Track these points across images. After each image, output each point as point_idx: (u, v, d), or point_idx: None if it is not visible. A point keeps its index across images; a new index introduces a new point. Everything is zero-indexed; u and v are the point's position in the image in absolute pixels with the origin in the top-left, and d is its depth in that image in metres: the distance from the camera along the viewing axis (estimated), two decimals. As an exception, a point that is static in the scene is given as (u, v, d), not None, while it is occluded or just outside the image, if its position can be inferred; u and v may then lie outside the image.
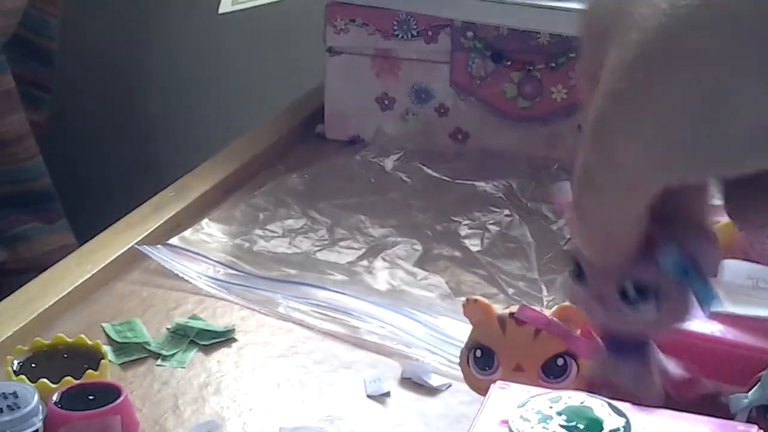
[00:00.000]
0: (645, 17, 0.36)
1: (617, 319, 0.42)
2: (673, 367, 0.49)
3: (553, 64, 0.95)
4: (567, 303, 0.59)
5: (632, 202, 0.39)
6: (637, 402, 0.46)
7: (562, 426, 0.44)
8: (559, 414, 0.45)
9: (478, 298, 0.59)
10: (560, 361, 0.58)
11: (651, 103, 0.36)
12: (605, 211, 0.39)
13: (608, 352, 0.45)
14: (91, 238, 0.83)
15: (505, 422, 0.47)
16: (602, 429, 0.44)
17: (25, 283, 0.77)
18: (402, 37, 0.99)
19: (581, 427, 0.44)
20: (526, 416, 0.45)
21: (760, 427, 0.50)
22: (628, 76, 0.36)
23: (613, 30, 0.37)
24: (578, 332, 0.58)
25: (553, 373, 0.57)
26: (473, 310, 0.58)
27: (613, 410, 0.46)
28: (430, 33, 0.98)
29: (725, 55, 0.34)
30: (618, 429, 0.45)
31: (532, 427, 0.44)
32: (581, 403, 0.46)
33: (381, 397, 0.66)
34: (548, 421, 0.45)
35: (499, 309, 0.59)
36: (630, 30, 0.36)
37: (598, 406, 0.46)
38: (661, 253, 0.41)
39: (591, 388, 0.48)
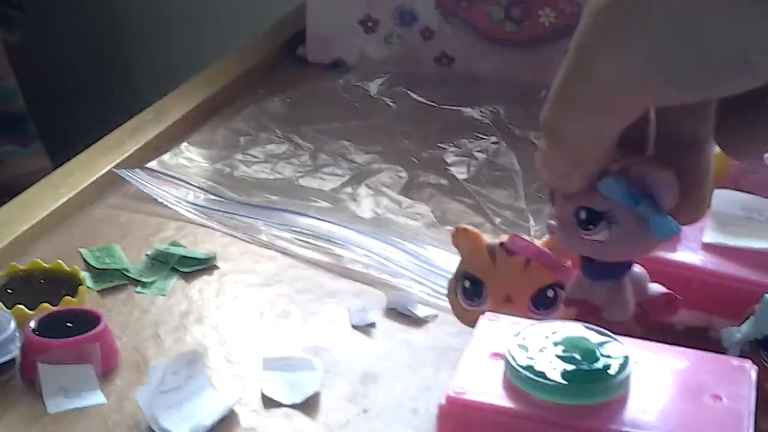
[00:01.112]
0: None
1: (574, 242, 0.44)
2: (654, 288, 0.51)
3: (541, -13, 0.93)
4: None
5: (606, 122, 0.39)
6: (606, 320, 0.48)
7: (559, 356, 0.44)
8: (556, 344, 0.44)
9: (468, 227, 0.57)
10: (550, 293, 0.57)
11: (632, 23, 0.37)
12: (577, 131, 0.40)
13: (583, 274, 0.46)
14: (67, 161, 0.81)
15: (497, 354, 0.46)
16: (598, 359, 0.44)
17: (-1, 206, 0.75)
18: (387, -44, 0.96)
19: (578, 357, 0.44)
20: (522, 345, 0.44)
21: (753, 362, 0.49)
22: None
23: None
24: (569, 263, 0.57)
25: (543, 304, 0.56)
26: (462, 240, 0.57)
27: (610, 340, 0.45)
28: (416, -47, 0.96)
29: None
30: (615, 358, 0.44)
31: (529, 357, 0.44)
32: (578, 333, 0.45)
33: (366, 328, 0.65)
34: (544, 350, 0.44)
35: (488, 239, 0.57)
36: None
37: (595, 336, 0.45)
38: (602, 183, 0.42)
39: (567, 304, 0.50)
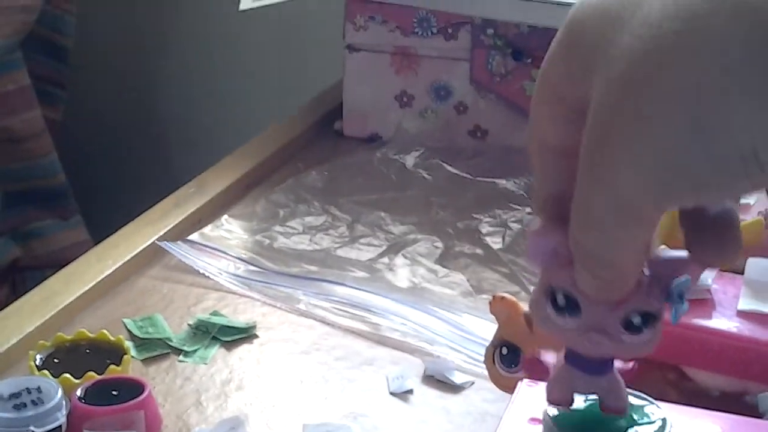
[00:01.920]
0: (628, 46, 0.36)
1: (619, 348, 0.42)
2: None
3: (573, 62, 0.94)
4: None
5: (635, 231, 0.38)
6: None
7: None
8: (593, 406, 0.45)
9: (505, 295, 0.58)
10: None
11: (642, 130, 0.35)
12: (609, 245, 0.38)
13: (583, 371, 0.44)
14: (110, 234, 0.83)
15: (535, 420, 0.47)
16: (636, 422, 0.44)
17: (39, 279, 0.77)
18: (421, 34, 0.99)
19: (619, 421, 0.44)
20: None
21: (790, 426, 0.50)
22: (616, 102, 0.36)
23: (600, 56, 0.37)
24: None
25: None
26: (500, 308, 0.58)
27: (647, 403, 0.46)
28: (449, 30, 0.98)
29: (712, 83, 0.34)
30: (654, 422, 0.45)
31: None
32: None
33: (404, 395, 0.66)
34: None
35: (525, 306, 0.58)
36: (613, 60, 0.36)
37: (632, 399, 0.46)
38: (674, 283, 0.41)
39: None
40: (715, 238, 0.40)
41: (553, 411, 0.45)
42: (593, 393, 0.44)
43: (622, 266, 0.39)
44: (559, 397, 0.44)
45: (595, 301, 0.41)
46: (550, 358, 0.45)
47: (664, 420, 0.45)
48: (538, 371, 0.45)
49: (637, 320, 0.41)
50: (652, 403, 0.46)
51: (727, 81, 0.34)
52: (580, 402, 0.45)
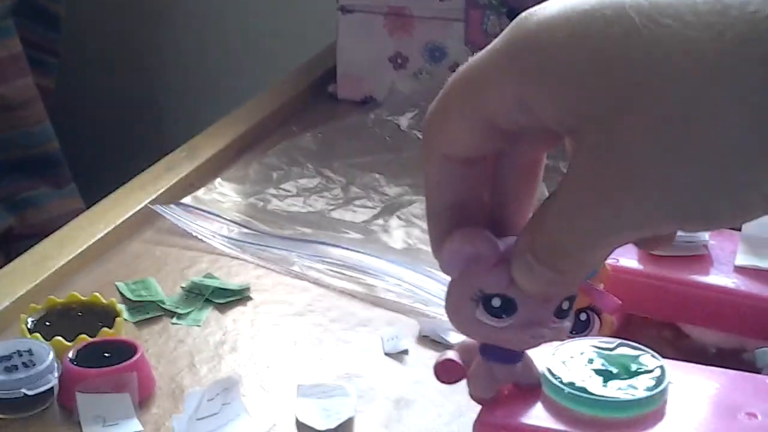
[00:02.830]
0: (660, 91, 0.34)
1: (555, 335, 0.43)
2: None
3: (569, 22, 0.93)
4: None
5: (627, 240, 0.38)
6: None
7: (596, 371, 0.45)
8: (591, 360, 0.45)
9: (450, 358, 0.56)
10: (583, 316, 0.57)
11: (673, 169, 0.35)
12: (592, 247, 0.38)
13: (485, 359, 0.44)
14: (103, 198, 0.82)
15: None
16: (635, 372, 0.45)
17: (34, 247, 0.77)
18: (415, -6, 0.97)
19: (615, 371, 0.44)
20: (560, 363, 0.45)
21: (788, 381, 0.49)
22: (647, 138, 0.35)
23: (608, 90, 0.35)
24: (601, 287, 0.57)
25: (575, 327, 0.57)
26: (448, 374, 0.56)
27: (643, 353, 0.46)
28: (443, -10, 0.97)
29: (741, 132, 0.34)
30: (651, 370, 0.45)
31: (568, 373, 0.45)
32: (611, 347, 0.46)
33: (399, 355, 0.65)
34: (581, 366, 0.45)
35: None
36: (643, 99, 0.34)
37: (629, 350, 0.46)
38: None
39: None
40: None
41: (553, 366, 0.45)
42: (513, 380, 0.45)
43: (592, 263, 0.39)
44: (483, 392, 0.45)
45: (531, 297, 0.41)
46: (455, 357, 0.45)
47: (662, 368, 0.45)
48: (453, 372, 0.45)
49: (566, 305, 0.42)
50: (647, 353, 0.46)
51: (756, 133, 0.33)
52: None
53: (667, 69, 0.34)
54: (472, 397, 0.45)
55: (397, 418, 0.59)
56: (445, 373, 0.45)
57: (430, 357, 0.65)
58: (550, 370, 0.45)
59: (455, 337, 0.66)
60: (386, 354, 0.65)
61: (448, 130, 0.39)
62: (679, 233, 0.58)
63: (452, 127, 0.39)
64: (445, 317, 0.67)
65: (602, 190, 0.36)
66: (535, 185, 0.42)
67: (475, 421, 0.45)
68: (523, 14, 0.37)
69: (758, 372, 0.55)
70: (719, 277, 0.59)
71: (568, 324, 0.43)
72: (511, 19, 0.38)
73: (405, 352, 0.65)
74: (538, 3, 0.38)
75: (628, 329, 0.60)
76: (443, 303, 0.68)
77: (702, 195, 0.34)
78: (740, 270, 0.59)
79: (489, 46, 0.38)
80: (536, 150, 0.41)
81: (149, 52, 1.48)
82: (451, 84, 0.39)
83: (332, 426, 0.58)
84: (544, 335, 0.42)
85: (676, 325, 0.60)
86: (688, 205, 0.35)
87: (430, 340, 0.67)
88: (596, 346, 0.47)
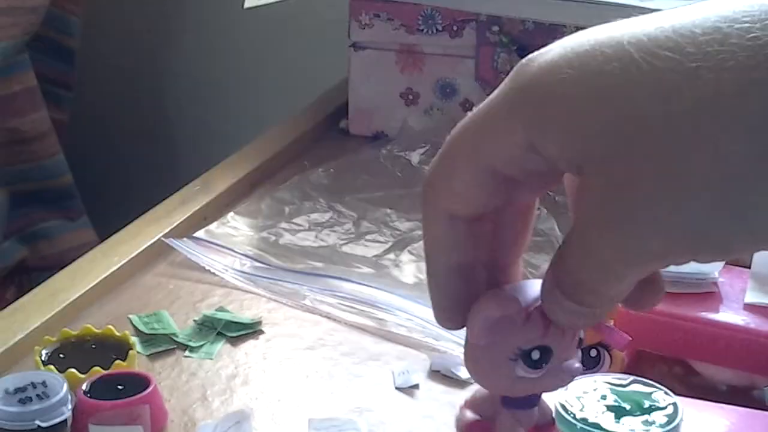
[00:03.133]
0: (663, 123, 0.35)
1: (580, 367, 0.43)
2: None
3: (579, 59, 0.94)
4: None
5: (644, 272, 0.38)
6: None
7: (609, 407, 0.45)
8: (604, 396, 0.46)
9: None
10: (593, 353, 0.57)
11: (689, 203, 0.35)
12: (613, 281, 0.38)
13: (509, 408, 0.45)
14: (117, 231, 0.83)
15: None
16: (648, 408, 0.45)
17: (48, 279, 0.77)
18: (427, 31, 0.99)
19: (628, 407, 0.45)
20: (572, 398, 0.46)
21: (797, 417, 0.50)
22: (658, 172, 0.35)
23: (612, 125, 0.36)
24: (611, 323, 0.58)
25: (586, 364, 0.57)
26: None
27: (656, 390, 0.46)
28: (455, 27, 0.98)
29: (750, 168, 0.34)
30: (664, 407, 0.45)
31: (580, 409, 0.45)
32: (628, 383, 0.46)
33: (410, 390, 0.66)
34: (593, 402, 0.45)
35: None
36: (646, 134, 0.35)
37: (641, 386, 0.46)
38: None
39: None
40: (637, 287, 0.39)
41: (565, 401, 0.46)
42: (534, 423, 0.44)
43: (619, 294, 0.39)
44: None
45: (563, 338, 0.41)
46: (475, 416, 0.46)
47: (675, 405, 0.45)
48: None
49: (581, 335, 0.43)
50: (660, 389, 0.46)
51: (758, 155, 0.34)
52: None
53: (667, 100, 0.35)
54: None
55: (408, 452, 0.59)
56: None
57: (441, 392, 0.65)
58: (563, 407, 0.46)
59: (465, 372, 0.66)
60: (397, 388, 0.66)
61: (454, 186, 0.39)
62: (690, 269, 0.59)
63: (459, 183, 0.39)
64: (455, 352, 0.68)
65: (615, 225, 0.36)
66: (529, 228, 0.43)
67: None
68: (524, 60, 0.38)
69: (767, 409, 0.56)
70: (728, 314, 0.59)
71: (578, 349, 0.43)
72: (522, 57, 0.39)
73: (416, 386, 0.66)
74: (546, 39, 0.38)
75: (639, 366, 0.60)
76: (454, 338, 0.69)
77: (712, 221, 0.35)
78: (750, 307, 0.59)
79: (489, 97, 0.38)
80: (535, 194, 0.42)
81: (163, 87, 1.50)
82: (453, 140, 0.39)
83: (343, 460, 0.58)
84: (576, 369, 0.42)
85: (687, 362, 0.61)
86: (700, 233, 0.35)
87: (441, 374, 0.67)
88: (609, 383, 0.47)
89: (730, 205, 0.34)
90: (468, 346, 0.42)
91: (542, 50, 0.37)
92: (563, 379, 0.42)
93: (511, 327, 0.41)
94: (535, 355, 0.41)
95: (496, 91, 0.38)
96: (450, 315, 0.42)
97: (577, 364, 0.42)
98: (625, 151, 0.35)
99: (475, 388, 0.65)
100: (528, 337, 0.41)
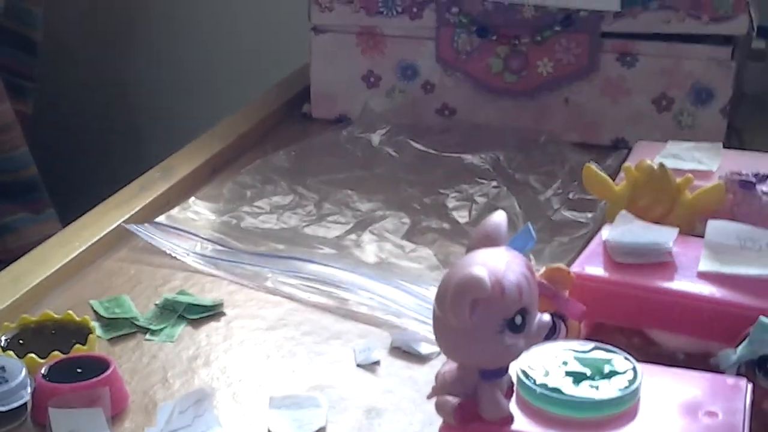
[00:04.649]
0: None
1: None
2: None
3: (538, 38, 0.94)
4: (556, 265, 0.59)
5: None
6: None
7: (569, 373, 0.46)
8: (564, 362, 0.47)
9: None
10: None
11: None
12: None
13: (487, 381, 0.47)
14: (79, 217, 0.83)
15: None
16: (609, 373, 0.46)
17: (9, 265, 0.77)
18: (387, 14, 0.99)
19: (588, 373, 0.46)
20: (532, 365, 0.47)
21: (749, 381, 0.50)
22: None
23: None
24: (566, 294, 0.58)
25: (543, 333, 0.57)
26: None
27: (621, 357, 0.47)
28: (414, 9, 0.98)
29: None
30: (624, 372, 0.46)
31: (542, 375, 0.46)
32: (590, 350, 0.47)
33: (371, 366, 0.66)
34: (554, 368, 0.47)
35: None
36: None
37: (601, 352, 0.47)
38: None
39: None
40: None
41: (527, 368, 0.47)
42: (506, 388, 0.47)
43: None
44: (503, 410, 0.46)
45: (531, 294, 0.45)
46: (456, 399, 0.47)
47: (634, 369, 0.46)
48: (468, 410, 0.47)
49: (519, 320, 0.46)
50: (621, 355, 0.47)
51: None
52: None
53: None
54: (492, 419, 0.46)
55: (369, 427, 0.60)
56: (462, 415, 0.46)
57: (401, 367, 0.66)
58: (525, 372, 0.46)
59: (426, 348, 0.67)
60: (358, 365, 0.66)
61: None
62: (645, 240, 0.59)
63: None
64: (416, 328, 0.69)
65: None
66: None
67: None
68: None
69: (722, 374, 0.56)
70: (683, 283, 0.60)
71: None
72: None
73: (377, 363, 0.66)
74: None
75: (598, 337, 0.60)
76: (415, 315, 0.70)
77: None
78: (704, 275, 0.60)
79: None
80: None
81: (124, 75, 1.49)
82: None
83: (304, 436, 0.58)
84: (550, 322, 0.46)
85: (645, 332, 0.61)
86: None
87: (401, 351, 0.67)
88: (573, 349, 0.48)
89: None
90: (452, 334, 0.45)
91: None
92: (540, 334, 0.46)
93: (491, 304, 0.44)
94: (518, 320, 0.45)
95: None
96: None
97: (546, 317, 0.46)
98: None
99: (434, 364, 0.65)
100: (509, 306, 0.44)
